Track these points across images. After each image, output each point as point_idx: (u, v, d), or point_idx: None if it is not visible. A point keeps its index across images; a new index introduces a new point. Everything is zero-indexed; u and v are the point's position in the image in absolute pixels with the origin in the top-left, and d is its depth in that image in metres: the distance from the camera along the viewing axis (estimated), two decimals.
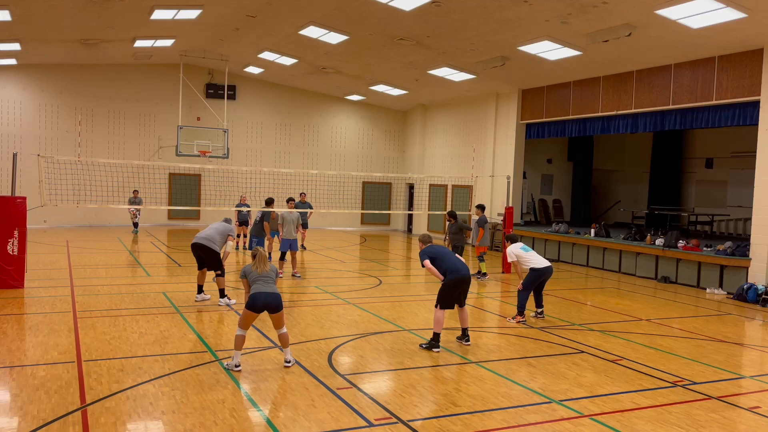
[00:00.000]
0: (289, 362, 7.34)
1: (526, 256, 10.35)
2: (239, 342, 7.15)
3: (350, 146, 28.23)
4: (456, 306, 8.50)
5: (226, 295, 10.78)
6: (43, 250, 16.84)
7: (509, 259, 10.56)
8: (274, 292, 7.22)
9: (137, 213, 22.60)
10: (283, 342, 7.36)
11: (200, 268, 10.88)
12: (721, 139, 20.76)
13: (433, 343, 8.28)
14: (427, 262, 8.39)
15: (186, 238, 20.47)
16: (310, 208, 19.14)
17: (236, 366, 7.10)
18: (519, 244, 10.59)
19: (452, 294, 8.36)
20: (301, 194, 19.64)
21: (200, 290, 10.95)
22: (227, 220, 11.24)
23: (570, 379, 7.22)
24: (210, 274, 11.15)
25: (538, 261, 10.31)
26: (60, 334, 8.43)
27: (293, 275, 13.92)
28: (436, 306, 8.37)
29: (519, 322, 10.14)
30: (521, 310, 10.19)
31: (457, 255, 8.67)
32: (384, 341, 8.71)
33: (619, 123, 17.72)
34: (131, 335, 8.49)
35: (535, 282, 10.28)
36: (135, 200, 21.76)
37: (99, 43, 19.97)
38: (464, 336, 8.65)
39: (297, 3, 15.58)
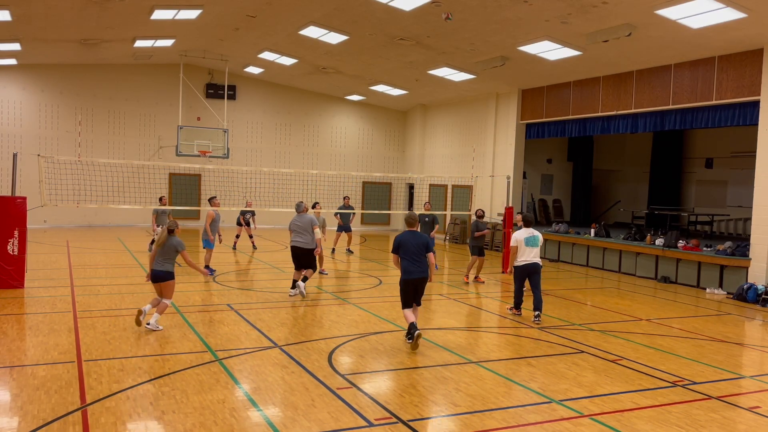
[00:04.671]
0: (149, 324, 8.69)
1: (521, 249, 10.39)
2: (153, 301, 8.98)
3: (350, 146, 28.23)
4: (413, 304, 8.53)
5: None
6: (43, 250, 16.84)
7: (511, 243, 10.64)
8: (156, 268, 8.81)
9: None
10: (159, 307, 8.83)
11: (297, 268, 11.74)
12: (721, 139, 20.77)
13: (407, 333, 8.31)
14: (394, 257, 8.42)
15: (185, 238, 20.34)
16: (352, 209, 19.42)
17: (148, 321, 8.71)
18: (525, 232, 10.40)
19: (406, 293, 8.43)
20: (345, 198, 19.39)
21: (294, 285, 11.66)
22: (310, 216, 11.63)
23: (570, 379, 7.22)
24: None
25: (525, 257, 10.37)
26: (60, 333, 8.43)
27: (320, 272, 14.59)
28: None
29: (515, 314, 10.72)
30: (516, 302, 10.75)
31: (416, 255, 8.30)
32: (384, 341, 8.71)
33: (619, 123, 17.72)
34: (131, 335, 8.49)
35: (520, 276, 10.57)
36: (164, 208, 17.32)
37: (99, 43, 19.97)
38: (410, 333, 8.30)
39: (297, 3, 15.58)
